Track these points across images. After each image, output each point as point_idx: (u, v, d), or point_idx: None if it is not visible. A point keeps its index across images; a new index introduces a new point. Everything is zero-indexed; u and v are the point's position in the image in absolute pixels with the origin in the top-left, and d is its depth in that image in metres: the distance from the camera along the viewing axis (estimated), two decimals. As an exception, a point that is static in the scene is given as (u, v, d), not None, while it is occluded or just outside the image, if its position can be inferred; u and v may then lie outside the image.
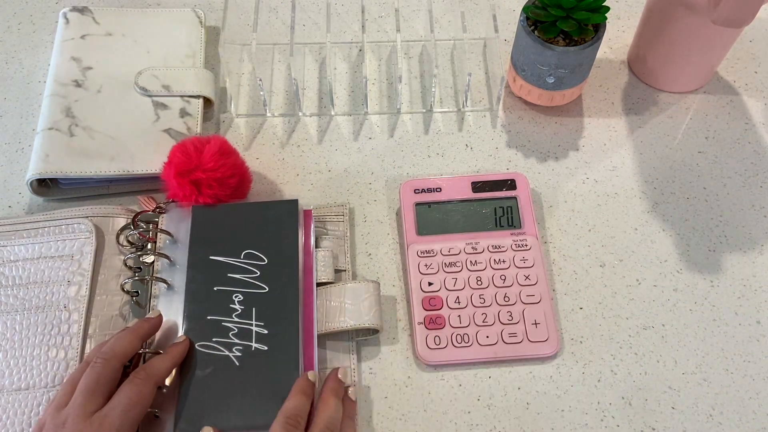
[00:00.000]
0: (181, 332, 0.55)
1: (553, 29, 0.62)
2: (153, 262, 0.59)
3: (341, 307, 0.57)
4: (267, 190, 0.66)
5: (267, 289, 0.56)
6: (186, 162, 0.58)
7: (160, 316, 0.55)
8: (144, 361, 0.53)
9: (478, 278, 0.60)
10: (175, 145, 0.60)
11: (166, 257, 0.59)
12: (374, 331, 0.58)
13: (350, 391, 0.54)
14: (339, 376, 0.54)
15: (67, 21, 0.70)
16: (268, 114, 0.70)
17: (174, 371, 0.54)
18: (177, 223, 0.60)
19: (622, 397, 0.57)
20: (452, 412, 0.56)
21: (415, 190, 0.64)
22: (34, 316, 0.56)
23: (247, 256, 0.58)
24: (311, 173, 0.67)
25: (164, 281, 0.58)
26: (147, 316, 0.55)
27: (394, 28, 0.76)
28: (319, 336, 0.57)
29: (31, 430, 0.51)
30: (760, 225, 0.64)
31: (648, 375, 0.58)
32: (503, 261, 0.61)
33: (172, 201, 0.60)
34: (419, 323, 0.58)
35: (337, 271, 0.60)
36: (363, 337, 0.58)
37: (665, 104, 0.71)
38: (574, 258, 0.63)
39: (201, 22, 0.72)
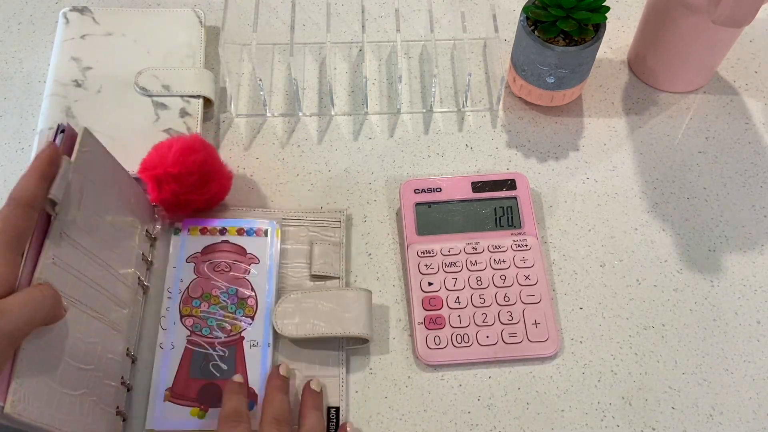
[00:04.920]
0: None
1: (553, 29, 0.62)
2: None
3: (332, 313, 0.56)
4: (267, 190, 0.66)
5: None
6: (155, 158, 0.58)
7: (51, 144, 0.47)
8: None
9: (478, 278, 0.60)
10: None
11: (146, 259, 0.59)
12: (364, 341, 0.58)
13: (312, 383, 0.55)
14: (281, 372, 0.54)
15: (67, 21, 0.70)
16: (268, 114, 0.70)
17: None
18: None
19: (622, 397, 0.57)
20: (452, 412, 0.56)
21: (415, 190, 0.64)
22: None
23: None
24: (311, 173, 0.67)
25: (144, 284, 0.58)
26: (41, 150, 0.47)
27: (394, 28, 0.76)
28: (306, 340, 0.57)
29: None
30: (760, 225, 0.64)
31: (648, 375, 0.58)
32: (503, 261, 0.61)
33: (155, 205, 0.61)
34: (419, 323, 0.58)
35: (331, 278, 0.60)
36: (353, 346, 0.58)
37: (665, 104, 0.71)
38: (574, 258, 0.63)
39: (201, 22, 0.72)
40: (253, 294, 0.58)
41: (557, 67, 0.63)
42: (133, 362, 0.55)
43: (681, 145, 0.69)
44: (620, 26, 0.76)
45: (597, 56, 0.72)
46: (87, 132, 0.50)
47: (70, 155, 0.48)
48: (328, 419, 0.54)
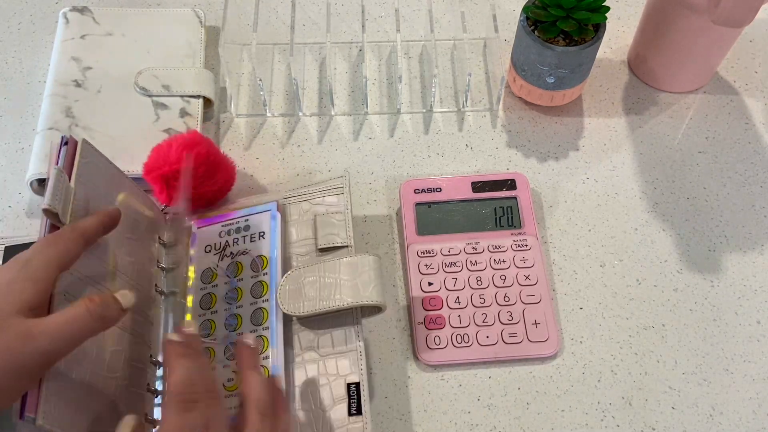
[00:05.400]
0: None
1: (553, 29, 0.62)
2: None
3: (337, 284, 0.54)
4: (266, 191, 0.66)
5: None
6: (156, 159, 0.58)
7: (116, 210, 0.50)
8: None
9: (478, 278, 0.60)
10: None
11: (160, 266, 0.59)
12: (378, 309, 0.55)
13: (244, 337, 0.49)
14: (249, 342, 0.48)
15: (67, 21, 0.70)
16: (268, 114, 0.70)
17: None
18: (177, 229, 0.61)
19: (622, 397, 0.57)
20: (452, 412, 0.56)
21: (415, 190, 0.64)
22: None
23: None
24: (311, 173, 0.67)
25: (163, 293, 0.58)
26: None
27: (394, 28, 0.76)
28: (318, 317, 0.55)
29: None
30: (760, 225, 0.64)
31: (648, 375, 0.58)
32: (503, 261, 0.61)
33: (166, 205, 0.61)
34: (419, 323, 0.58)
35: (339, 248, 0.58)
36: (368, 317, 0.56)
37: (665, 104, 0.71)
38: (574, 258, 0.63)
39: (201, 22, 0.72)
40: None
41: (557, 67, 0.63)
42: (158, 367, 0.54)
43: (681, 145, 0.69)
44: (620, 26, 0.76)
45: (597, 56, 0.72)
46: (86, 143, 0.50)
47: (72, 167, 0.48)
48: (349, 396, 0.52)
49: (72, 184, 0.48)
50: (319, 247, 0.58)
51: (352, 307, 0.54)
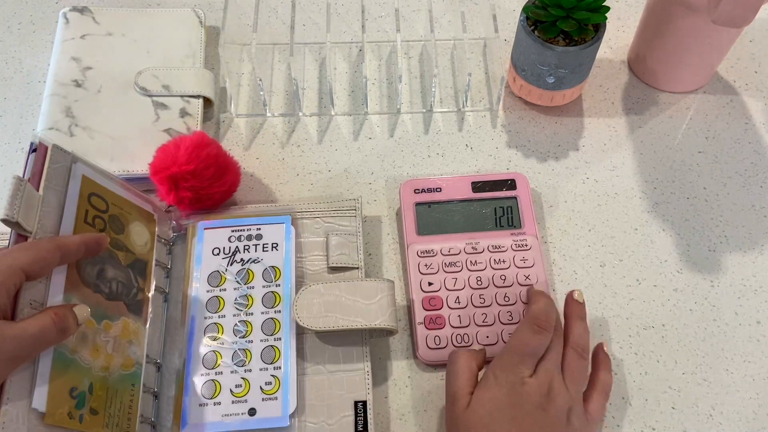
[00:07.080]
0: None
1: (553, 29, 0.62)
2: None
3: (354, 305, 0.55)
4: (267, 190, 0.66)
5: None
6: (163, 159, 0.58)
7: (104, 237, 0.50)
8: None
9: (478, 278, 0.60)
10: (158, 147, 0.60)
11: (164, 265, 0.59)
12: (388, 332, 0.57)
13: (575, 293, 0.56)
14: (575, 297, 0.56)
15: (67, 21, 0.70)
16: (268, 114, 0.70)
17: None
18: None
19: (622, 397, 0.57)
20: (452, 412, 0.56)
21: (415, 190, 0.64)
22: None
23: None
24: (311, 173, 0.67)
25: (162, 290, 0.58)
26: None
27: (394, 28, 0.76)
28: (329, 334, 0.56)
29: None
30: (760, 225, 0.64)
31: (648, 375, 0.58)
32: (503, 261, 0.61)
33: (171, 205, 0.61)
34: (419, 323, 0.58)
35: (350, 269, 0.60)
36: (376, 338, 0.57)
37: (665, 104, 0.71)
38: (574, 258, 0.63)
39: (201, 22, 0.72)
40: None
41: (557, 67, 0.64)
42: (158, 369, 0.55)
43: (681, 145, 0.69)
44: (620, 26, 0.76)
45: (597, 56, 0.72)
46: (57, 148, 0.49)
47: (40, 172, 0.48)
48: (356, 413, 0.54)
49: (40, 191, 0.47)
50: (330, 265, 0.59)
51: (368, 329, 0.55)
